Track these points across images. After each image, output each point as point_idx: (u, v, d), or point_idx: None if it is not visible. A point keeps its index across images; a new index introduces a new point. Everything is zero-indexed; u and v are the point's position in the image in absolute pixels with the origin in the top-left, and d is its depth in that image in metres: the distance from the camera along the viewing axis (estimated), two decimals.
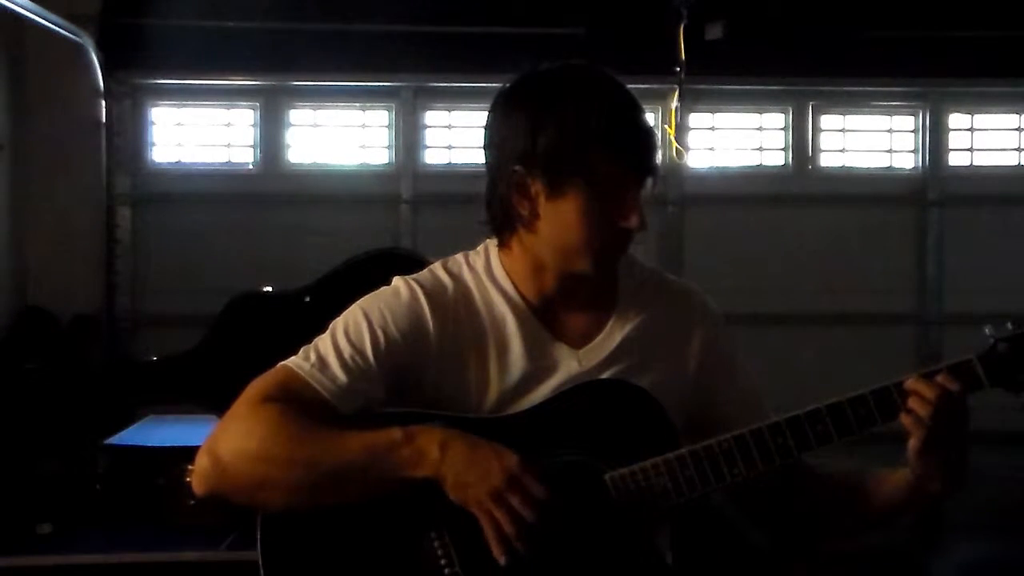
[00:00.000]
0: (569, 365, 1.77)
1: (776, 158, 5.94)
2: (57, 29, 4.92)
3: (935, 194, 5.90)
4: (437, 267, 1.84)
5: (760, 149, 5.96)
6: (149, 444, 3.35)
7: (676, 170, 5.66)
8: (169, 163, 5.69)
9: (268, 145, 5.67)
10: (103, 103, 5.43)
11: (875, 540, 1.88)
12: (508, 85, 1.77)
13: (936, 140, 5.94)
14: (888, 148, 6.02)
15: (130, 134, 5.56)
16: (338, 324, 1.77)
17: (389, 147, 5.74)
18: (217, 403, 1.86)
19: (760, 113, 5.94)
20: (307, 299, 3.45)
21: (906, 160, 6.01)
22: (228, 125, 5.72)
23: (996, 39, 5.67)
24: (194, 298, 4.91)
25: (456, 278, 1.81)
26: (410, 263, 1.99)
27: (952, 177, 5.95)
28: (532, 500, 1.60)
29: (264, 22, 5.39)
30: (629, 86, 1.75)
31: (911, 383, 1.66)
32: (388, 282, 1.81)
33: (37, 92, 5.31)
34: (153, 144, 5.67)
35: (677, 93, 5.47)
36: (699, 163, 5.85)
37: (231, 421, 1.69)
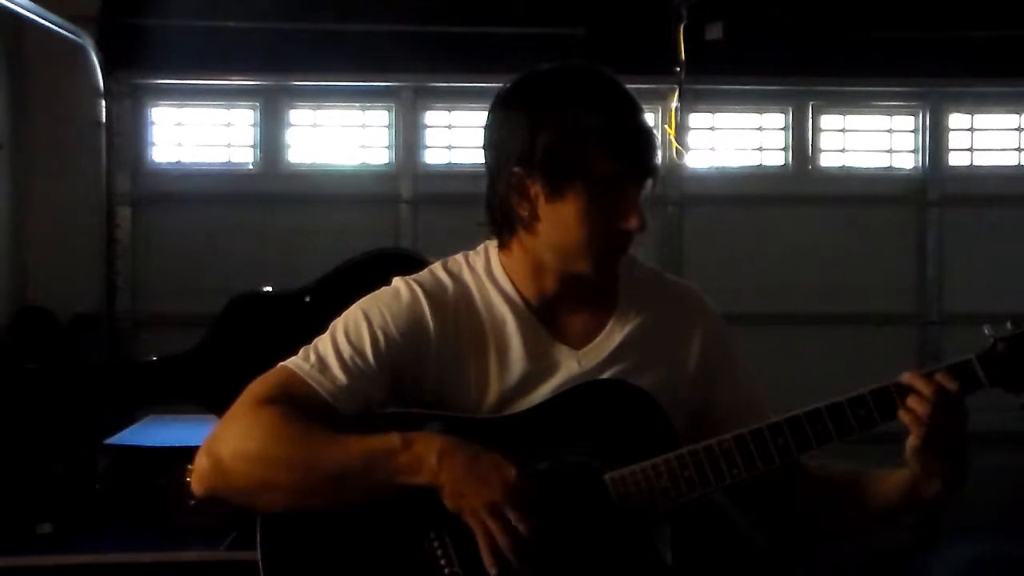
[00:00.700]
0: (569, 365, 1.77)
1: (776, 158, 5.93)
2: (57, 29, 4.92)
3: (935, 194, 5.89)
4: (437, 267, 1.84)
5: (760, 149, 5.95)
6: (149, 444, 3.35)
7: (676, 170, 5.65)
8: (169, 163, 5.68)
9: (268, 145, 5.67)
10: (103, 103, 5.42)
11: (875, 540, 1.88)
12: (507, 85, 1.77)
13: (936, 140, 5.93)
14: (888, 148, 6.02)
15: (130, 134, 5.55)
16: (338, 324, 1.77)
17: (389, 147, 5.74)
18: (217, 403, 1.86)
19: (760, 113, 5.94)
20: (307, 299, 3.45)
21: (906, 160, 6.00)
22: (228, 125, 5.72)
23: (996, 39, 5.67)
24: (194, 298, 4.91)
25: (456, 278, 1.81)
26: (410, 263, 1.99)
27: (952, 177, 5.95)
28: (528, 515, 1.59)
29: (264, 22, 5.39)
30: (629, 86, 1.75)
31: (909, 380, 1.66)
32: (388, 282, 1.82)
33: (37, 92, 5.31)
34: (153, 144, 5.66)
35: (677, 93, 5.46)
36: (699, 163, 5.84)
37: (231, 422, 1.69)
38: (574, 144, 1.68)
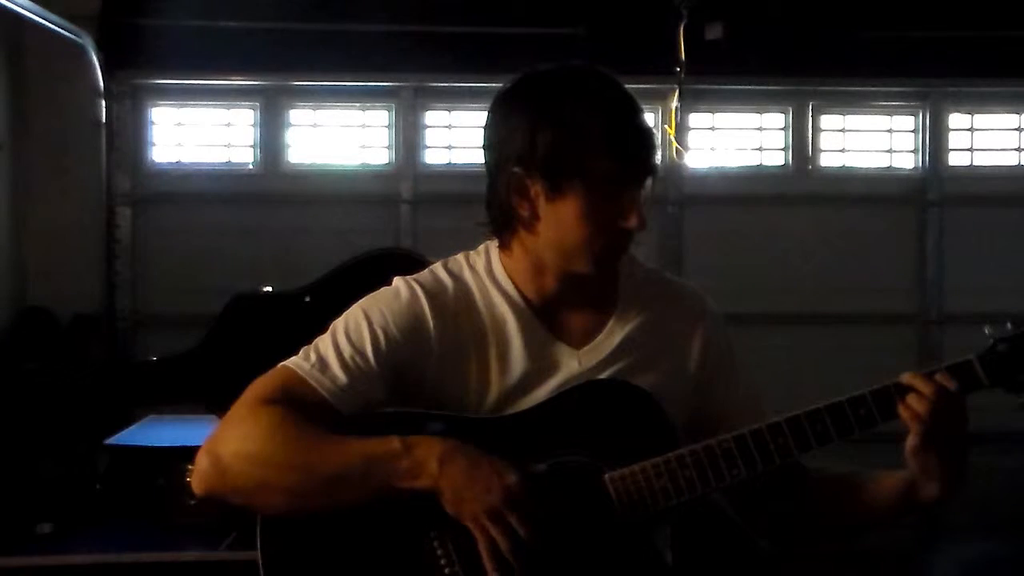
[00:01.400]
0: (569, 365, 1.77)
1: (776, 158, 5.94)
2: (57, 29, 4.92)
3: (935, 194, 5.90)
4: (437, 267, 1.84)
5: (760, 149, 5.95)
6: (149, 444, 3.35)
7: (676, 170, 5.65)
8: (169, 163, 5.68)
9: (268, 145, 5.67)
10: (103, 103, 5.43)
11: (875, 540, 1.88)
12: (507, 86, 1.77)
13: (936, 140, 5.94)
14: (888, 148, 6.02)
15: (130, 134, 5.55)
16: (338, 324, 1.77)
17: (389, 147, 5.74)
18: (217, 403, 1.87)
19: (760, 113, 5.94)
20: (307, 299, 3.45)
21: (906, 160, 6.00)
22: (228, 125, 5.72)
23: (996, 39, 5.67)
24: (194, 298, 4.91)
25: (457, 278, 1.81)
26: (410, 263, 1.99)
27: (952, 177, 5.95)
28: (529, 519, 1.59)
29: (264, 22, 5.39)
30: (629, 86, 1.75)
31: (909, 379, 1.66)
32: (388, 282, 1.81)
33: (37, 92, 5.31)
34: (153, 144, 5.67)
35: (677, 93, 5.47)
36: (699, 163, 5.84)
37: (231, 422, 1.69)
38: (574, 144, 1.68)
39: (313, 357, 1.73)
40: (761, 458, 1.69)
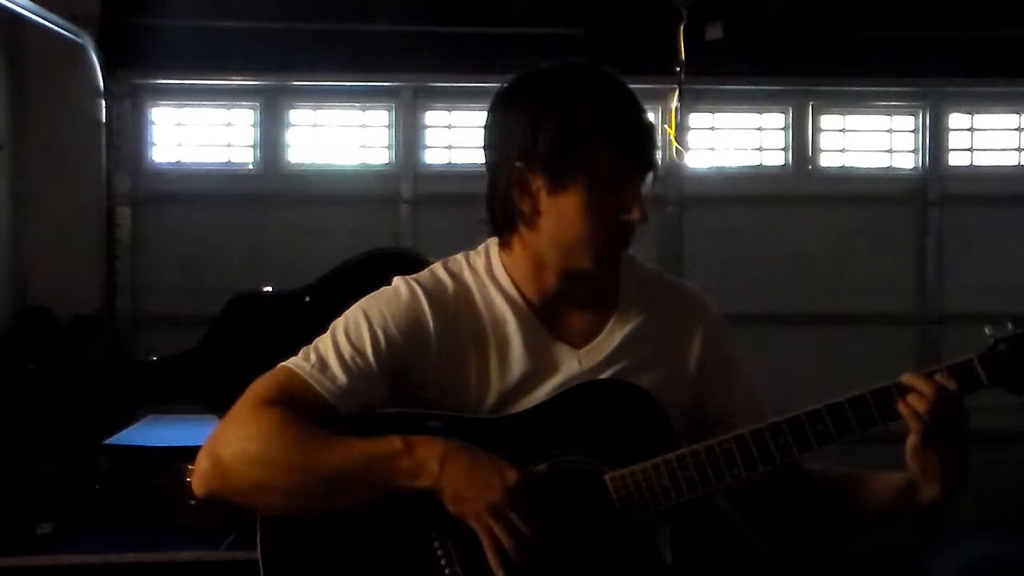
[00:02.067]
0: (569, 365, 1.77)
1: (776, 158, 5.93)
2: (57, 29, 4.91)
3: (935, 194, 5.89)
4: (437, 267, 1.84)
5: (760, 149, 5.95)
6: (149, 444, 3.35)
7: (676, 170, 5.65)
8: (169, 163, 5.67)
9: (268, 145, 5.66)
10: (103, 103, 5.42)
11: (875, 540, 1.88)
12: (507, 84, 1.78)
13: (936, 140, 5.92)
14: (888, 148, 6.02)
15: (130, 134, 5.54)
16: (338, 324, 1.77)
17: (389, 147, 5.73)
18: (217, 403, 1.87)
19: (760, 113, 5.93)
20: (307, 299, 3.45)
21: (906, 160, 5.99)
22: (228, 125, 5.72)
23: (996, 39, 5.66)
24: (194, 298, 4.90)
25: (456, 278, 1.81)
26: (410, 263, 1.99)
27: (952, 177, 5.94)
28: (530, 516, 1.60)
29: (264, 22, 5.38)
30: (629, 86, 1.76)
31: (909, 379, 1.67)
32: (388, 282, 1.82)
33: (37, 92, 5.30)
34: (153, 144, 5.66)
35: (677, 93, 5.46)
36: (699, 163, 5.84)
37: (232, 423, 1.69)
38: (576, 138, 1.68)
39: (313, 357, 1.73)
40: (761, 458, 1.69)
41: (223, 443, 1.68)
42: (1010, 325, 1.71)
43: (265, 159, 5.68)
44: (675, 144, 5.55)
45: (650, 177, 1.75)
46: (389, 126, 5.75)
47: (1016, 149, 6.07)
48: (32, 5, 4.60)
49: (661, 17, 5.31)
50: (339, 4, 5.46)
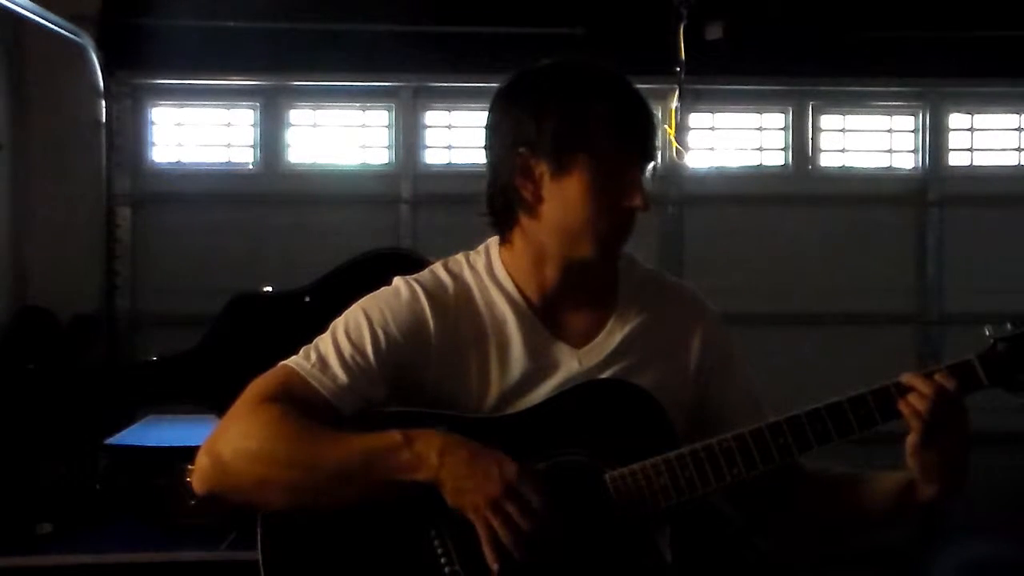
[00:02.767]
0: (569, 364, 1.77)
1: (776, 158, 5.93)
2: (57, 29, 4.91)
3: (935, 194, 5.89)
4: (438, 267, 1.84)
5: (760, 149, 5.95)
6: (149, 444, 3.35)
7: (676, 170, 5.65)
8: (169, 163, 5.68)
9: (268, 145, 5.67)
10: (103, 103, 5.42)
11: (875, 540, 1.88)
12: (507, 82, 1.79)
13: (936, 140, 5.93)
14: (888, 148, 6.02)
15: (130, 134, 5.55)
16: (338, 324, 1.77)
17: (389, 147, 5.74)
18: (217, 403, 1.87)
19: (760, 113, 5.94)
20: (307, 299, 3.45)
21: (906, 160, 6.00)
22: (228, 125, 5.72)
23: (996, 39, 5.67)
24: (194, 298, 4.90)
25: (456, 278, 1.81)
26: (410, 263, 1.99)
27: (952, 177, 5.95)
28: (529, 510, 1.60)
29: (264, 22, 5.38)
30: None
31: (909, 378, 1.67)
32: (388, 282, 1.82)
33: (37, 92, 5.30)
34: (153, 144, 5.66)
35: (677, 93, 5.46)
36: (699, 163, 5.84)
37: (231, 421, 1.69)
38: (579, 122, 1.70)
39: (313, 356, 1.73)
40: (761, 458, 1.69)
41: (223, 441, 1.68)
42: (1009, 325, 1.71)
43: (265, 159, 5.68)
44: (675, 144, 5.55)
45: (650, 168, 1.76)
46: (389, 126, 5.75)
47: (1016, 149, 6.08)
48: (32, 5, 4.60)
49: (661, 17, 5.31)
50: (339, 4, 5.46)
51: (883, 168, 6.02)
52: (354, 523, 1.69)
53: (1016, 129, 6.07)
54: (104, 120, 5.45)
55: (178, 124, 5.73)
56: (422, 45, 5.47)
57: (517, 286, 1.79)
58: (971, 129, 6.06)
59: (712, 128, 5.93)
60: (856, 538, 1.87)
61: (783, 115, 5.94)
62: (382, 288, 1.81)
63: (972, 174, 6.02)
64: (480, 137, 1.82)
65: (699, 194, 5.78)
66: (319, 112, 5.75)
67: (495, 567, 1.60)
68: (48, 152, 5.32)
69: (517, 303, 1.79)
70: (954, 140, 6.03)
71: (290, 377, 1.72)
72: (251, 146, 5.71)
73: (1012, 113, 6.07)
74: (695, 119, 5.82)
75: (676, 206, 5.73)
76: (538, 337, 1.77)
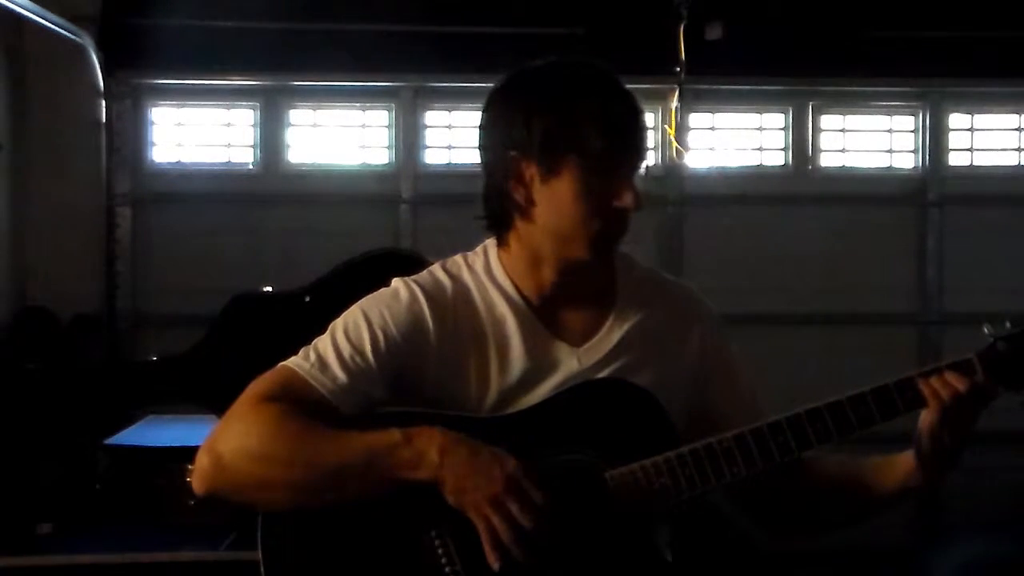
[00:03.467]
0: (569, 364, 1.77)
1: (776, 158, 5.93)
2: (57, 29, 4.91)
3: (935, 194, 5.89)
4: (436, 268, 1.84)
5: (760, 149, 5.95)
6: (149, 444, 3.35)
7: (676, 170, 5.65)
8: (169, 163, 5.68)
9: (268, 145, 5.67)
10: (103, 103, 5.42)
11: (875, 540, 1.88)
12: (500, 82, 1.79)
13: (936, 140, 5.93)
14: (888, 148, 6.02)
15: (130, 134, 5.55)
16: (338, 324, 1.77)
17: (389, 147, 5.73)
18: (217, 403, 1.87)
19: (760, 113, 5.94)
20: (307, 299, 3.45)
21: (906, 160, 6.00)
22: (228, 125, 5.72)
23: (996, 39, 5.67)
24: (194, 298, 4.90)
25: (455, 278, 1.81)
26: (410, 263, 1.99)
27: (952, 177, 5.95)
28: (530, 507, 1.60)
29: (264, 22, 5.38)
30: (629, 86, 1.77)
31: (942, 376, 1.67)
32: (388, 282, 1.82)
33: (37, 92, 5.30)
34: (153, 144, 5.66)
35: (677, 93, 5.46)
36: (699, 163, 5.84)
37: (231, 420, 1.70)
38: (568, 122, 1.70)
39: (313, 357, 1.73)
40: (761, 456, 1.69)
41: (222, 440, 1.68)
42: (1008, 324, 1.71)
43: (265, 159, 5.68)
44: (675, 144, 5.55)
45: (642, 167, 1.76)
46: (389, 126, 5.75)
47: (1016, 149, 6.08)
48: (32, 5, 4.60)
49: (661, 17, 5.31)
50: (339, 4, 5.46)
51: (883, 168, 6.02)
52: (354, 523, 1.69)
53: (1016, 129, 6.07)
54: (104, 120, 5.45)
55: (178, 124, 5.72)
56: (422, 45, 5.46)
57: (515, 286, 1.79)
58: (971, 129, 6.05)
59: (712, 128, 5.93)
60: (856, 525, 1.88)
61: (783, 115, 5.94)
62: (381, 289, 1.82)
63: (972, 174, 6.02)
64: (477, 137, 1.82)
65: (699, 194, 5.77)
66: (319, 112, 5.75)
67: (496, 565, 1.60)
68: (48, 152, 5.32)
69: (516, 303, 1.79)
70: (954, 140, 6.03)
71: (290, 377, 1.72)
72: (251, 146, 5.71)
73: (1012, 113, 6.06)
74: (695, 119, 5.81)
75: (676, 206, 5.73)
76: (537, 336, 1.78)
